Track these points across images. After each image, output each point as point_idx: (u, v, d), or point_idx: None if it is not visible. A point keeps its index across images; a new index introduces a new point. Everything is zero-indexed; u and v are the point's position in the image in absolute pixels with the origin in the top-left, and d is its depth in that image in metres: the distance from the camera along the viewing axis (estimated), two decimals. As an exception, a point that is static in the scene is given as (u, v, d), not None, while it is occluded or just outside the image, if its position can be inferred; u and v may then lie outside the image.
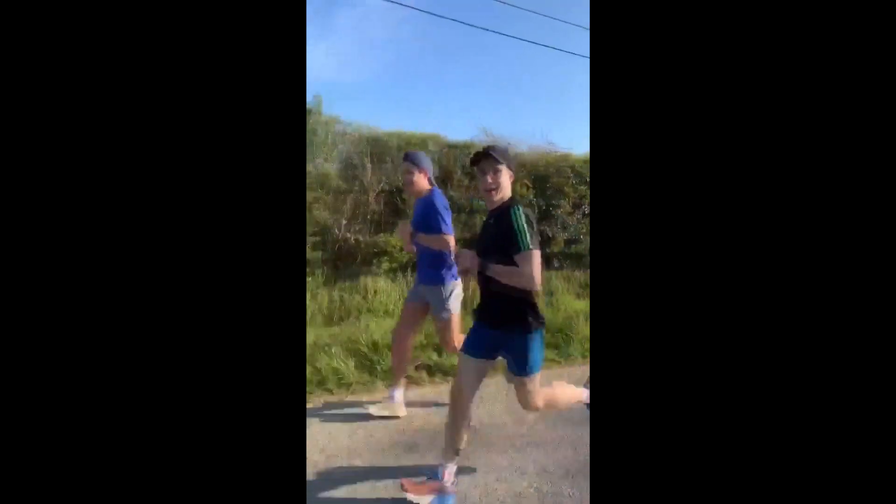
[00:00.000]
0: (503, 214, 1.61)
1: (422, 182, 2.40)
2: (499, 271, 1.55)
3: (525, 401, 1.79)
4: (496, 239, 1.61)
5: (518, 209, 1.59)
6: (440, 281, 2.34)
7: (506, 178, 1.68)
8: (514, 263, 1.54)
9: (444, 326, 2.39)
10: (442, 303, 2.35)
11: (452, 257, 2.30)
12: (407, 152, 2.49)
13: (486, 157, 1.66)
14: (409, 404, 2.57)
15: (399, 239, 3.39)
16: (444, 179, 5.47)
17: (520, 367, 1.69)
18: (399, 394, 2.53)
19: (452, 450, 1.78)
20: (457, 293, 2.39)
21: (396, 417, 2.47)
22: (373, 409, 2.48)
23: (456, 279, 2.38)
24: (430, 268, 2.35)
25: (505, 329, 1.66)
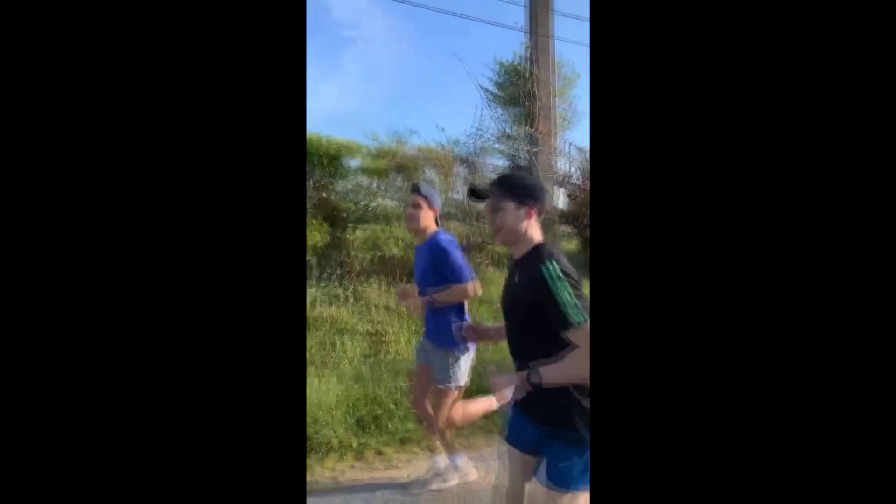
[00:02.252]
0: (531, 270, 1.19)
1: (427, 220, 2.07)
2: (553, 376, 1.12)
3: None
4: (525, 306, 1.20)
5: (552, 264, 1.14)
6: (448, 344, 1.93)
7: (517, 218, 1.26)
8: (557, 340, 1.12)
9: (443, 398, 2.02)
10: (447, 371, 1.98)
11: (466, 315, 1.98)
12: (417, 184, 2.18)
13: (491, 190, 1.30)
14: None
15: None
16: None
17: (560, 477, 1.21)
18: (460, 459, 2.17)
19: None
20: (467, 362, 2.02)
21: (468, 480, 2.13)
22: (435, 485, 2.11)
23: (469, 349, 2.00)
24: (439, 324, 1.96)
25: (554, 428, 1.23)
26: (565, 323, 1.10)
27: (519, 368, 1.26)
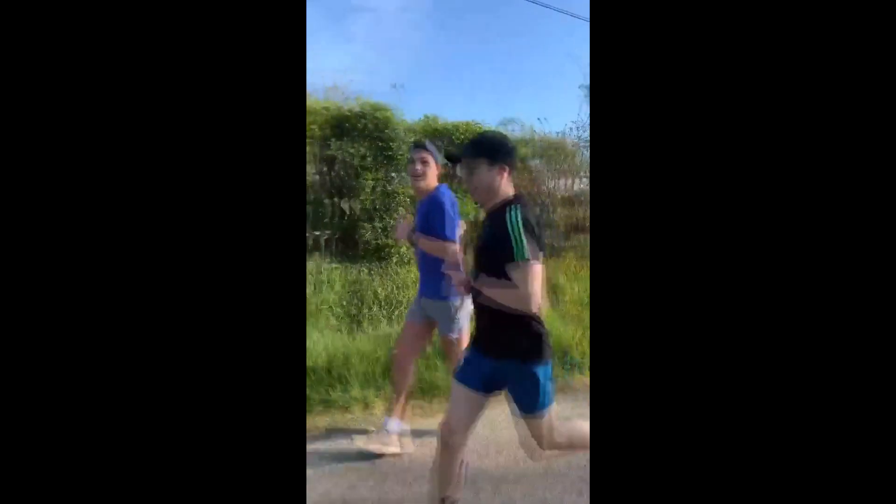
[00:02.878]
0: (498, 217, 1.33)
1: (433, 177, 2.08)
2: (486, 285, 1.30)
3: (540, 440, 1.45)
4: (489, 245, 1.36)
5: (515, 210, 1.29)
6: (446, 295, 2.00)
7: (489, 177, 1.38)
8: (507, 276, 1.27)
9: (453, 346, 2.09)
10: (450, 320, 2.05)
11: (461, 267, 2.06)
12: (422, 140, 2.15)
13: (463, 158, 1.43)
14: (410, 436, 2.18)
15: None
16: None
17: (526, 405, 1.39)
18: (396, 425, 2.15)
19: (438, 498, 1.47)
20: (467, 308, 2.06)
21: (391, 455, 2.08)
22: (359, 442, 2.10)
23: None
24: (436, 279, 1.97)
25: (504, 359, 1.37)
26: (510, 256, 1.25)
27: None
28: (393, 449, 2.11)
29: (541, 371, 1.35)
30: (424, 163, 2.06)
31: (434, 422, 2.25)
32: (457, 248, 1.95)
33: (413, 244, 2.06)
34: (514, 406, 1.44)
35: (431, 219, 1.99)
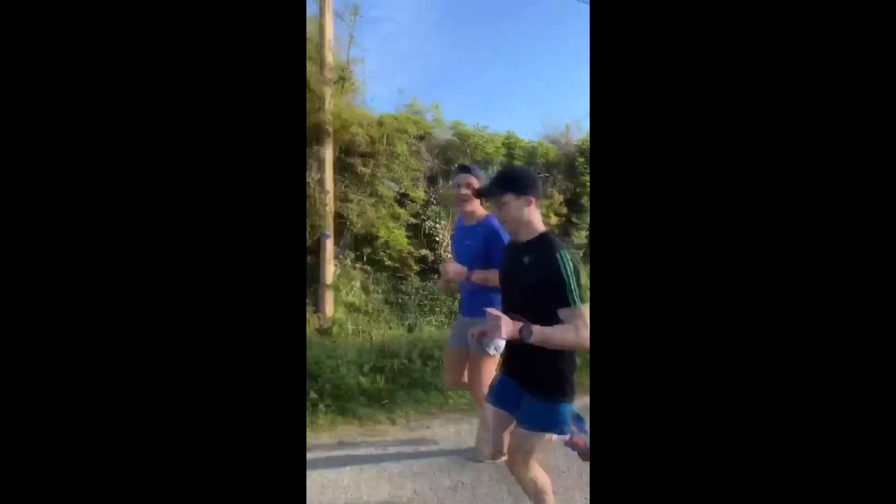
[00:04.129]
0: (543, 256, 1.35)
1: (477, 202, 2.06)
2: (547, 336, 1.29)
3: (511, 451, 1.52)
4: (533, 284, 1.36)
5: (565, 254, 1.33)
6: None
7: (518, 209, 1.42)
8: (554, 316, 1.30)
9: (482, 364, 2.06)
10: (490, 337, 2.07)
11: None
12: (465, 164, 2.15)
13: (490, 188, 1.47)
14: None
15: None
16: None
17: (526, 419, 1.45)
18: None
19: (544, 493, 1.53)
20: None
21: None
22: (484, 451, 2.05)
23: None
24: (478, 299, 1.99)
25: (537, 393, 1.42)
26: (564, 302, 1.30)
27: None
28: None
29: (558, 406, 1.40)
30: (468, 186, 2.02)
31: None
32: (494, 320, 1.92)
33: (466, 281, 2.00)
34: (518, 414, 1.49)
35: (492, 250, 1.96)
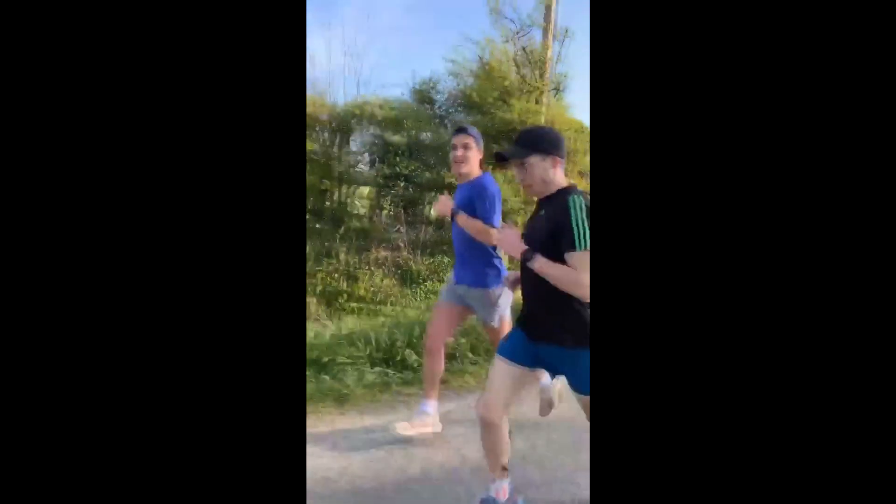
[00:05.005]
0: (558, 204, 1.34)
1: (475, 162, 2.06)
2: (545, 266, 1.30)
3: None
4: (546, 232, 1.34)
5: (579, 199, 1.30)
6: (486, 283, 2.00)
7: (542, 169, 1.40)
8: (561, 260, 1.28)
9: (498, 332, 2.04)
10: (491, 308, 2.03)
11: (500, 256, 2.04)
12: (464, 125, 2.16)
13: (511, 149, 1.44)
14: (444, 420, 2.19)
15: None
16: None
17: (577, 385, 1.39)
18: (433, 406, 2.16)
19: (498, 467, 1.54)
20: (507, 296, 2.04)
21: (430, 434, 2.11)
22: (400, 428, 2.08)
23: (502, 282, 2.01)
24: (474, 267, 2.02)
25: (552, 343, 1.38)
26: (570, 244, 1.27)
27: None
28: (434, 429, 2.14)
29: (584, 355, 1.32)
30: (466, 147, 2.04)
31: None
32: (499, 233, 1.89)
33: (453, 220, 2.02)
34: (570, 384, 1.45)
35: (476, 204, 1.96)
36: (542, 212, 1.43)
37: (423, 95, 6.02)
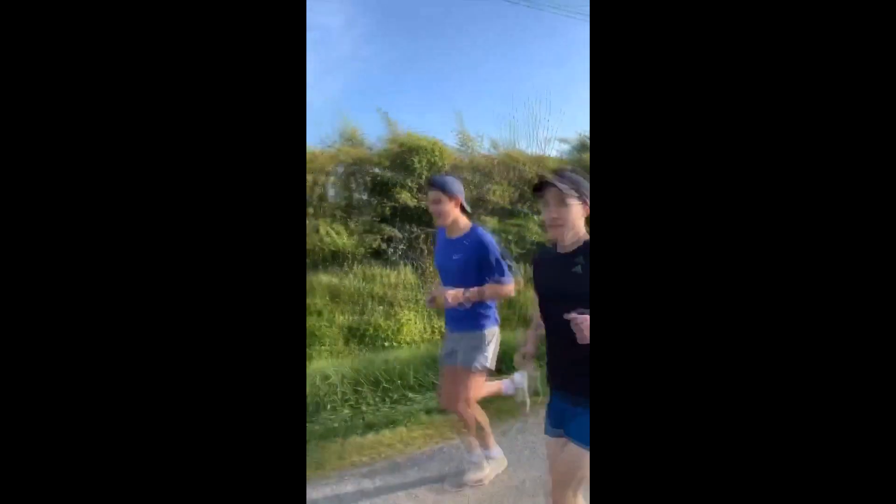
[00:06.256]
0: (584, 261, 1.32)
1: (455, 211, 2.03)
2: (582, 321, 1.22)
3: (567, 477, 1.38)
4: (578, 288, 1.26)
5: None
6: (478, 326, 2.00)
7: (578, 214, 1.36)
8: None
9: (467, 379, 2.02)
10: (477, 350, 2.00)
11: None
12: (433, 177, 2.15)
13: (549, 186, 1.36)
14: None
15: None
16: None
17: (583, 439, 1.33)
18: (497, 451, 2.19)
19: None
20: (495, 341, 2.04)
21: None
22: (472, 478, 2.10)
23: (496, 324, 2.03)
24: (468, 312, 1.99)
25: (572, 393, 1.35)
26: None
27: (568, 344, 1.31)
28: (501, 468, 2.22)
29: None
30: (437, 202, 2.00)
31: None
32: (513, 287, 1.93)
33: (468, 303, 1.95)
34: (576, 436, 1.36)
35: (483, 265, 1.94)
36: (577, 269, 1.34)
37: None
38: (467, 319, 2.01)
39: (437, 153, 5.16)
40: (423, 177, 4.85)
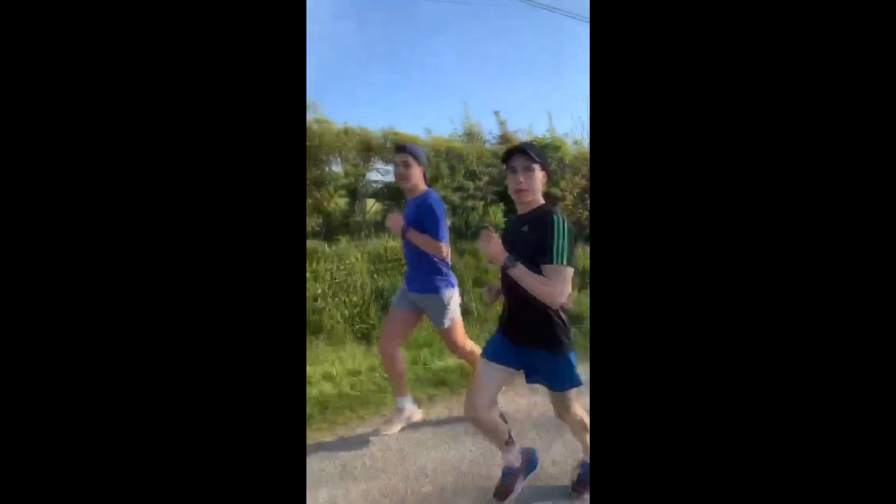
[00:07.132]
0: (540, 221, 1.49)
1: (418, 177, 2.22)
2: (522, 274, 1.42)
3: (560, 412, 1.69)
4: (528, 246, 1.47)
5: (561, 218, 1.46)
6: (435, 289, 2.19)
7: (539, 180, 1.54)
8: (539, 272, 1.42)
9: (450, 333, 2.26)
10: (442, 312, 2.21)
11: (447, 264, 2.22)
12: (403, 143, 2.28)
13: (519, 155, 1.53)
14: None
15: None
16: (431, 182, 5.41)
17: (554, 383, 1.59)
18: (408, 401, 2.38)
19: (502, 443, 1.72)
20: (455, 300, 2.25)
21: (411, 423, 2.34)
22: (385, 429, 2.31)
23: (453, 287, 2.24)
24: (424, 275, 2.21)
25: (534, 347, 1.56)
26: (549, 256, 1.41)
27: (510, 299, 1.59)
28: (416, 417, 2.41)
29: (565, 358, 1.54)
30: (406, 165, 2.18)
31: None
32: (446, 248, 2.16)
33: (403, 237, 2.20)
34: (545, 383, 1.62)
35: (424, 220, 2.14)
36: (525, 227, 1.54)
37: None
38: (422, 283, 2.22)
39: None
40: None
